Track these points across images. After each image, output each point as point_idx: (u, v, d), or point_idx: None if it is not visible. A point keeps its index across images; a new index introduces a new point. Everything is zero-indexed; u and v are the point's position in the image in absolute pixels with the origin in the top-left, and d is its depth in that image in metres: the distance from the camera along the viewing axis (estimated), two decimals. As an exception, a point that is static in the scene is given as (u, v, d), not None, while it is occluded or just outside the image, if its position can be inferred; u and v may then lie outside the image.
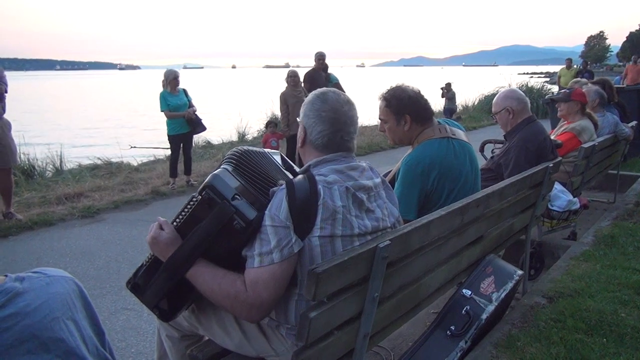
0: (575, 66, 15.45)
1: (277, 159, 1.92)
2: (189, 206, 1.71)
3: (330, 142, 1.75)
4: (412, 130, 2.58)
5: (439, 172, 2.46)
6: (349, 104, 1.80)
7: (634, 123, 5.65)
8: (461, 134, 2.65)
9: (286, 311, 1.69)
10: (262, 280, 1.56)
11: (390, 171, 2.85)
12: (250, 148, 1.85)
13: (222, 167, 1.73)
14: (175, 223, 1.75)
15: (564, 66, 15.47)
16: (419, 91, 2.62)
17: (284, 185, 1.63)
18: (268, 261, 1.56)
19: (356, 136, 1.82)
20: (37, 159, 9.01)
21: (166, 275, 1.71)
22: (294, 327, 1.67)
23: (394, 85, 2.63)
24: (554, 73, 15.25)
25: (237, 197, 1.62)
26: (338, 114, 1.75)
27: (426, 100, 2.63)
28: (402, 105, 2.55)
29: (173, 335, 2.07)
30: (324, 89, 1.85)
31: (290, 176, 1.80)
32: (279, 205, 1.59)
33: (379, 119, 2.68)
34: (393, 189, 2.46)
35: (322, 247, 1.60)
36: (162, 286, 1.74)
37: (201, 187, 1.67)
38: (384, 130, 2.69)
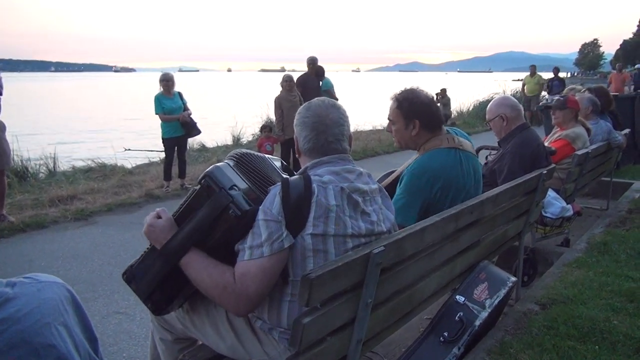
0: (539, 74, 15.05)
1: (277, 164, 1.95)
2: (188, 196, 1.75)
3: (316, 146, 1.79)
4: (420, 136, 2.53)
5: (444, 183, 2.43)
6: (333, 107, 1.84)
7: (627, 131, 5.69)
8: (468, 145, 2.61)
9: (279, 313, 1.70)
10: (251, 273, 1.58)
11: (392, 171, 2.81)
12: (251, 151, 1.89)
13: (224, 161, 1.79)
14: (174, 214, 1.79)
15: (528, 73, 15.07)
16: (433, 98, 2.60)
17: (279, 183, 1.66)
18: (258, 254, 1.58)
19: (346, 138, 1.84)
20: (30, 161, 8.94)
21: (161, 262, 1.74)
22: (287, 330, 1.68)
23: (407, 88, 2.59)
24: (547, 80, 15.03)
25: (235, 188, 1.67)
26: (320, 118, 1.79)
27: (438, 108, 2.60)
28: (414, 109, 2.51)
29: (166, 338, 2.08)
30: (314, 99, 1.89)
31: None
32: (272, 200, 1.62)
33: (388, 119, 2.63)
34: (394, 191, 2.46)
35: (315, 245, 1.62)
36: (157, 274, 1.77)
37: (201, 176, 1.72)
38: (390, 131, 2.65)
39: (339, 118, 1.82)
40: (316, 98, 1.90)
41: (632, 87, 17.31)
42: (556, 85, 14.69)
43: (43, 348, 0.91)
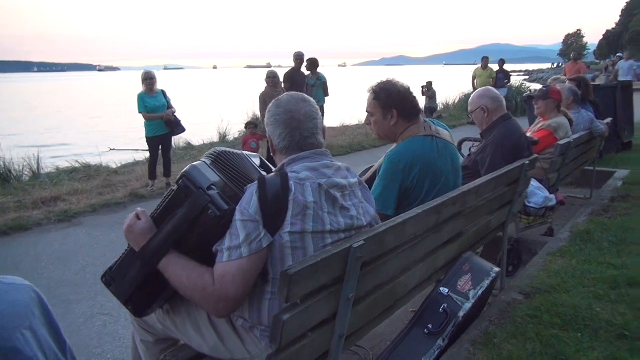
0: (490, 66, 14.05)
1: (255, 161, 1.93)
2: (166, 197, 1.74)
3: (292, 143, 1.76)
4: (398, 125, 2.57)
5: (421, 169, 2.46)
6: (304, 101, 1.81)
7: (609, 120, 5.73)
8: (446, 134, 2.66)
9: (259, 311, 1.69)
10: (230, 275, 1.56)
11: (372, 166, 2.85)
12: (229, 149, 1.87)
13: (201, 160, 1.76)
14: (152, 214, 1.77)
15: (479, 66, 14.01)
16: (409, 88, 2.63)
17: (255, 182, 1.64)
18: (236, 255, 1.56)
19: (320, 131, 1.82)
20: (13, 163, 8.82)
21: (139, 264, 1.73)
22: (268, 328, 1.67)
23: (384, 80, 2.62)
24: (533, 71, 14.70)
25: (213, 187, 1.65)
26: (292, 113, 1.77)
27: (414, 98, 2.64)
28: (391, 99, 2.54)
29: (147, 340, 2.06)
30: (283, 95, 1.86)
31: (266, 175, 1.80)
32: (249, 200, 1.60)
33: (366, 111, 2.66)
34: (374, 183, 2.46)
35: (293, 243, 1.61)
36: (135, 276, 1.76)
37: (178, 176, 1.70)
38: (369, 124, 2.68)
39: (311, 112, 1.80)
40: (285, 94, 1.87)
41: (610, 77, 17.02)
42: (500, 78, 14.11)
43: (9, 352, 0.90)
